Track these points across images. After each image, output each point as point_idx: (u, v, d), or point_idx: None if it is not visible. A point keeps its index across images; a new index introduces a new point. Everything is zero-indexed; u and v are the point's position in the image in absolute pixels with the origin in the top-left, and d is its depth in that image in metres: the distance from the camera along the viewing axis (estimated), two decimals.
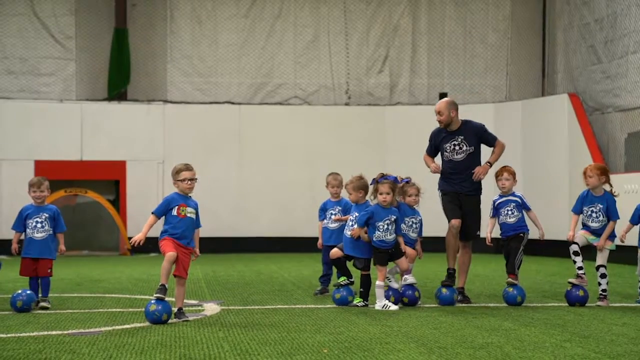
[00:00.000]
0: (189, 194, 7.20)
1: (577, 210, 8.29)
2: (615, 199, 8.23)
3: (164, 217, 7.13)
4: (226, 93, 19.17)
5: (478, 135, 8.70)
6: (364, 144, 18.49)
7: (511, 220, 8.32)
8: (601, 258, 8.10)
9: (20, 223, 8.00)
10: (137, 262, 14.86)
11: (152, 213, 7.10)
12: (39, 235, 7.93)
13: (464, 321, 6.94)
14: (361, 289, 8.13)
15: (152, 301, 6.90)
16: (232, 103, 18.93)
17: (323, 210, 9.26)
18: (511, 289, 8.10)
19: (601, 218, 8.13)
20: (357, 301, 8.07)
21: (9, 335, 6.27)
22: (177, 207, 7.07)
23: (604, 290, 8.09)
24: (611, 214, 8.13)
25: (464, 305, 8.20)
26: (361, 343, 5.75)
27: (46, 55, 18.50)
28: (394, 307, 7.75)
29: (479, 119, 9.24)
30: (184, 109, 18.65)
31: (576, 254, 8.08)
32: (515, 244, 8.28)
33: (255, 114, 18.78)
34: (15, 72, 18.37)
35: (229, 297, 8.96)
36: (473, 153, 8.66)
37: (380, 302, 7.81)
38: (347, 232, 8.22)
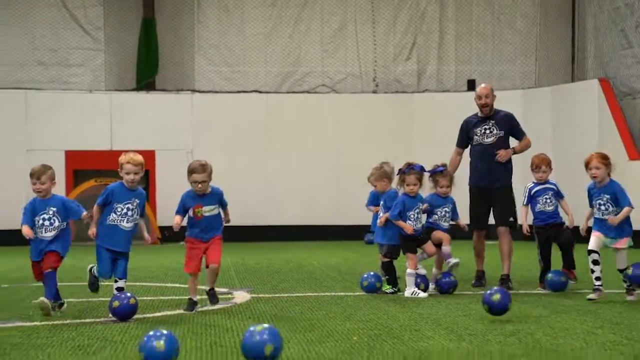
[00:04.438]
0: (206, 192, 6.90)
1: (591, 205, 7.67)
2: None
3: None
4: (254, 82, 19.19)
5: (509, 122, 8.88)
6: (392, 132, 18.43)
7: (549, 208, 8.27)
8: (621, 261, 7.51)
9: (30, 218, 6.73)
10: (167, 251, 14.96)
11: (176, 213, 6.95)
12: (48, 235, 6.74)
13: None
14: (386, 276, 8.15)
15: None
16: (260, 92, 18.95)
17: (376, 197, 9.13)
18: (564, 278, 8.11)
19: (611, 209, 7.43)
20: (386, 288, 8.08)
21: (42, 323, 6.35)
22: (192, 209, 6.90)
23: (629, 285, 7.53)
24: (621, 200, 7.43)
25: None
26: (391, 330, 5.75)
27: (75, 46, 18.63)
28: (423, 295, 7.75)
29: (508, 106, 9.29)
30: (212, 99, 18.70)
31: (596, 262, 7.38)
32: (568, 237, 8.24)
33: (283, 103, 18.79)
34: (45, 63, 18.52)
35: (258, 285, 8.99)
36: (502, 138, 8.82)
37: (410, 289, 7.81)
38: (378, 222, 8.31)
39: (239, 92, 18.93)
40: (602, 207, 7.46)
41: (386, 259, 8.18)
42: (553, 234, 8.27)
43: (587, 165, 7.50)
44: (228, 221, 7.07)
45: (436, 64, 19.35)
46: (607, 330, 5.71)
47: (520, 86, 18.84)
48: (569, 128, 17.05)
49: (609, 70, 17.18)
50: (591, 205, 7.61)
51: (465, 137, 8.96)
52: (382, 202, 8.29)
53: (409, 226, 7.88)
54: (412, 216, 7.93)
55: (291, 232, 18.25)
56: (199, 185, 6.84)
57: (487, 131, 8.79)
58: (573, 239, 8.29)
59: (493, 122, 8.79)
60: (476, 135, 8.83)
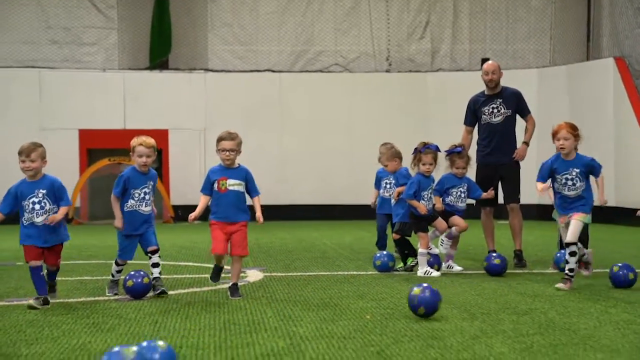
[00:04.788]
0: (232, 165, 6.59)
1: (543, 178, 7.01)
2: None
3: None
4: (267, 61, 19.14)
5: (517, 100, 8.91)
6: (405, 111, 18.38)
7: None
8: (571, 234, 6.75)
9: (9, 203, 6.17)
10: (180, 230, 15.01)
11: (201, 192, 6.64)
12: (40, 220, 6.14)
13: (507, 287, 6.90)
14: (406, 252, 8.20)
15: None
16: (273, 71, 18.90)
17: (378, 180, 9.27)
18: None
19: (578, 184, 6.83)
20: (410, 261, 8.14)
21: (57, 300, 6.39)
22: (217, 181, 6.53)
23: (570, 270, 6.76)
24: (597, 170, 6.85)
25: (518, 270, 8.20)
26: (404, 309, 5.75)
27: (89, 24, 18.62)
28: (435, 274, 7.75)
29: (522, 85, 9.28)
30: (225, 78, 18.68)
31: (573, 254, 6.74)
32: (584, 233, 7.96)
33: (296, 82, 18.74)
34: (58, 42, 18.54)
35: (272, 264, 9.02)
36: (510, 117, 8.87)
37: (422, 269, 7.81)
38: (392, 201, 8.38)
39: (252, 71, 18.89)
40: (570, 183, 6.83)
41: (398, 236, 8.23)
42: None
43: (554, 135, 6.89)
44: (259, 219, 6.50)
45: (450, 42, 19.24)
46: (621, 310, 5.70)
47: (534, 65, 18.72)
48: (584, 107, 16.95)
49: (625, 48, 17.02)
50: (544, 180, 6.97)
51: (473, 115, 8.98)
52: (393, 181, 8.38)
53: (422, 206, 7.88)
54: (425, 196, 7.95)
55: (304, 211, 18.27)
56: (227, 154, 6.49)
57: (495, 110, 8.83)
58: (587, 237, 7.79)
59: (500, 100, 8.82)
60: (484, 114, 8.86)
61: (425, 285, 5.47)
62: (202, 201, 6.57)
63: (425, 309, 5.34)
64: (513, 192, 8.77)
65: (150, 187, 6.71)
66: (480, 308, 5.81)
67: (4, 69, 17.98)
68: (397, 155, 8.64)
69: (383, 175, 9.20)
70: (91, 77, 18.22)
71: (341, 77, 18.93)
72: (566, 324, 5.16)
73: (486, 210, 8.86)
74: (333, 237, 13.03)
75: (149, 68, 18.65)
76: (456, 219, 8.21)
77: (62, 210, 6.19)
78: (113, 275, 6.84)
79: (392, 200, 8.49)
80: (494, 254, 7.90)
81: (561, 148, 6.85)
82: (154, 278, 6.65)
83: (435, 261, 8.00)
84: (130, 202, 6.65)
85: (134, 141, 6.68)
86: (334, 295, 6.52)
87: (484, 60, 18.82)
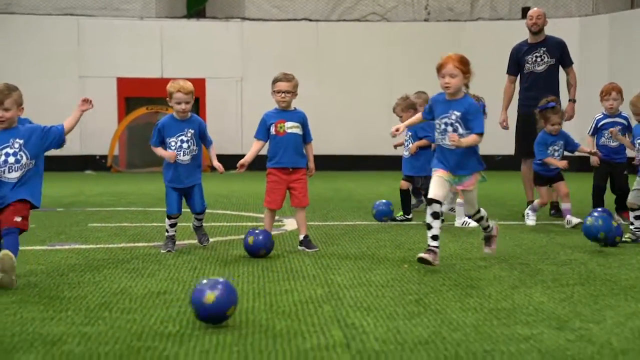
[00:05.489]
0: (288, 108, 6.28)
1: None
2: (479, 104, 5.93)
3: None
4: (303, 10, 18.99)
5: (560, 48, 8.78)
6: None
7: (614, 144, 7.86)
8: (470, 205, 5.64)
9: None
10: (217, 178, 15.08)
11: (254, 137, 6.29)
12: (12, 177, 4.97)
13: (546, 238, 6.86)
14: (424, 196, 8.12)
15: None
16: (310, 20, 18.76)
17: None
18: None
19: (461, 131, 5.35)
20: (398, 215, 8.16)
21: (98, 245, 6.48)
22: (274, 124, 6.22)
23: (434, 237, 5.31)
24: (473, 123, 5.35)
25: (554, 221, 8.15)
26: (442, 259, 5.73)
27: None
28: (473, 224, 7.70)
29: (564, 35, 9.13)
30: (262, 26, 18.59)
31: (436, 216, 5.29)
32: (623, 185, 7.79)
33: (333, 31, 18.59)
34: None
35: (309, 214, 8.99)
36: (554, 66, 8.75)
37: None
38: (405, 153, 8.24)
39: (288, 20, 18.77)
40: (450, 128, 5.38)
41: (421, 189, 8.16)
42: (612, 173, 7.92)
43: (439, 70, 5.46)
44: (311, 170, 6.39)
45: None
46: None
47: (576, 13, 18.34)
48: (626, 56, 16.60)
49: None
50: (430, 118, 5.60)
51: (515, 64, 8.87)
52: (411, 133, 8.23)
53: (563, 162, 7.58)
54: (556, 153, 7.71)
55: (341, 162, 18.26)
56: (283, 95, 6.17)
57: (539, 59, 8.71)
58: (627, 187, 7.59)
59: (544, 49, 8.70)
60: (527, 63, 8.74)
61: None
62: (254, 146, 6.24)
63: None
64: None
65: (190, 134, 6.15)
66: (518, 259, 5.78)
67: (43, 16, 18.06)
68: (412, 107, 8.43)
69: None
70: (129, 25, 18.24)
71: (378, 26, 18.74)
72: (607, 274, 5.11)
73: (527, 162, 8.75)
74: (370, 187, 13.03)
75: (186, 16, 18.61)
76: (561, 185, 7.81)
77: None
78: (167, 231, 6.29)
79: (406, 153, 8.29)
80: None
81: (446, 86, 5.43)
82: (195, 227, 6.46)
83: None
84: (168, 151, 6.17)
85: (171, 86, 6.17)
86: (371, 245, 6.53)
87: (525, 9, 18.56)
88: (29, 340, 3.53)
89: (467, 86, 5.47)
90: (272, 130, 6.20)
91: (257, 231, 5.92)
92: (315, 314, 4.01)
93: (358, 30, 18.67)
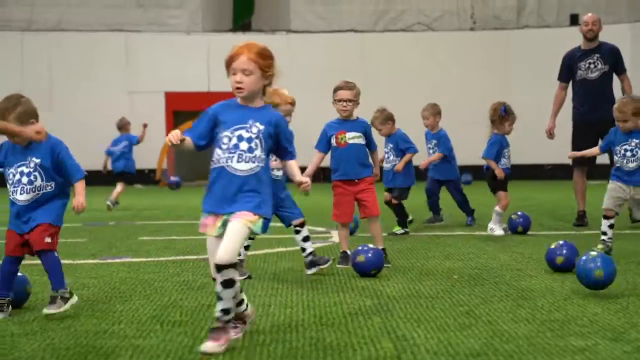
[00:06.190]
0: (350, 117, 6.11)
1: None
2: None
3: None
4: (348, 21, 19.03)
5: (615, 55, 8.64)
6: (489, 70, 18.03)
7: None
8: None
9: None
10: None
11: (315, 148, 6.13)
12: (22, 199, 4.45)
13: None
14: (397, 219, 8.14)
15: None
16: (355, 31, 18.80)
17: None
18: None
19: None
20: (396, 229, 8.11)
21: (149, 259, 6.54)
22: (334, 135, 6.05)
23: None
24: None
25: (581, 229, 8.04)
26: (491, 269, 5.69)
27: None
28: (499, 232, 7.61)
29: (614, 41, 8.97)
30: (307, 38, 18.67)
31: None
32: None
33: (378, 42, 18.60)
34: (144, 5, 18.81)
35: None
36: (607, 73, 8.61)
37: (491, 225, 7.70)
38: (386, 165, 8.24)
39: (333, 31, 18.82)
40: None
41: (396, 202, 8.11)
42: None
43: (228, 65, 4.12)
44: (376, 175, 6.11)
45: None
46: None
47: (627, 19, 18.07)
48: None
49: None
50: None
51: (568, 70, 8.74)
52: (392, 145, 8.23)
53: (500, 170, 7.78)
54: (505, 153, 7.90)
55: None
56: (344, 104, 6.01)
57: (592, 65, 8.57)
58: None
59: (598, 55, 8.57)
60: (580, 69, 8.60)
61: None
62: (316, 158, 6.07)
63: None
64: None
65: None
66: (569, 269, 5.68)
67: (91, 32, 18.37)
68: (390, 118, 8.45)
69: (429, 137, 9.13)
70: (176, 40, 18.47)
71: (424, 36, 18.69)
72: None
73: (580, 170, 8.61)
74: (417, 198, 12.95)
75: (232, 30, 18.78)
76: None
77: (80, 186, 4.54)
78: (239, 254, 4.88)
79: (387, 165, 8.27)
80: None
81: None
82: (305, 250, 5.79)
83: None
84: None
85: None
86: (420, 256, 6.50)
87: (573, 16, 18.36)
88: (83, 353, 3.57)
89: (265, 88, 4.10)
90: (333, 141, 6.06)
91: (366, 248, 5.60)
92: (365, 325, 4.00)
93: (403, 40, 18.64)
